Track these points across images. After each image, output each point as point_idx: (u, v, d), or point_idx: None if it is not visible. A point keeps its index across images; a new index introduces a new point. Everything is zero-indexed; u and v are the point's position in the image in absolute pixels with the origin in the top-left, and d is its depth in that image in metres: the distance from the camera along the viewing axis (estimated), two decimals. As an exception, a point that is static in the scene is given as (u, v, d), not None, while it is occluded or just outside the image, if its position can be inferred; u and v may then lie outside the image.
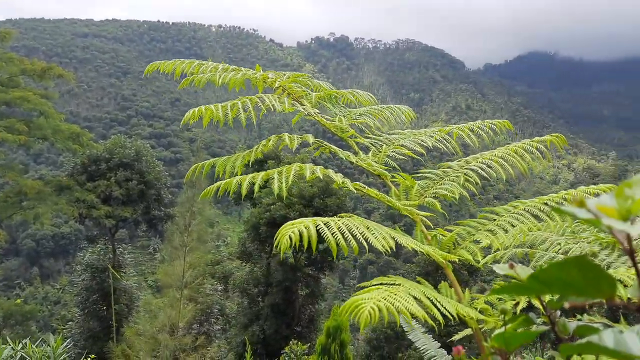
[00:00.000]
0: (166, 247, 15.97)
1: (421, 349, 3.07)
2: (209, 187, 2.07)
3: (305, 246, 1.40)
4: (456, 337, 2.07)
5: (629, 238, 0.46)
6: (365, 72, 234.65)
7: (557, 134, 2.26)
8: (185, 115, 2.25)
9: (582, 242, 2.17)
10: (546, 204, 2.02)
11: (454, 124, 2.69)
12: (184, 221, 13.11)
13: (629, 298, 0.62)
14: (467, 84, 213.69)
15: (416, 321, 3.18)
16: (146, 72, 2.67)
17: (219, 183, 1.97)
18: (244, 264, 20.93)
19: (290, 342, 10.85)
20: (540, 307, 0.92)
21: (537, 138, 2.21)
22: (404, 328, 3.31)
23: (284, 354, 10.54)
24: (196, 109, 2.25)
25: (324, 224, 1.48)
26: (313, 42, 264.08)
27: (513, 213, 2.18)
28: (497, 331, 0.88)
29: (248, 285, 19.71)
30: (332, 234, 1.47)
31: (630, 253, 0.48)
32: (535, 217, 2.14)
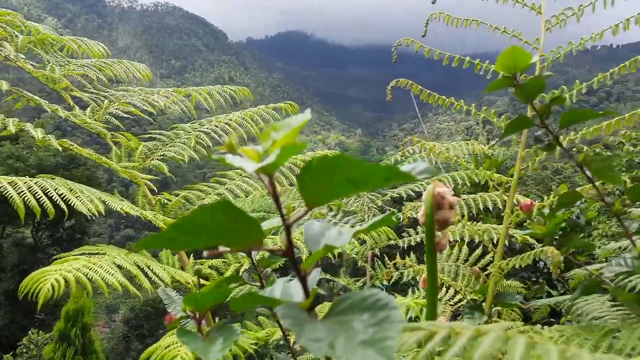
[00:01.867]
0: None
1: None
2: None
3: None
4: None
5: (270, 181, 0.45)
6: (120, 33, 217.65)
7: (290, 102, 2.43)
8: None
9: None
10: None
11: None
12: None
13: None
14: (229, 56, 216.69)
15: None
16: None
17: None
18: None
19: (30, 332, 9.98)
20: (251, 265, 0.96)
21: (272, 105, 2.35)
22: (164, 300, 3.22)
23: (22, 346, 9.65)
24: None
25: (8, 183, 1.30)
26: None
27: (244, 176, 2.27)
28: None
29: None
30: (20, 193, 1.30)
31: (274, 196, 0.48)
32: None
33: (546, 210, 1.25)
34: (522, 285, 1.62)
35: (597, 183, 0.97)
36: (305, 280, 0.43)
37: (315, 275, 0.45)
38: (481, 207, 1.85)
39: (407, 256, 1.81)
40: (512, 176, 1.58)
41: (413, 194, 2.17)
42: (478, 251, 1.69)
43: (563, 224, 1.17)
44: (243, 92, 2.30)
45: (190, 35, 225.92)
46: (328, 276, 2.02)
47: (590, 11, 1.75)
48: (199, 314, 0.67)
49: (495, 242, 1.55)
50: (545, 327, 1.28)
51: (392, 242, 2.02)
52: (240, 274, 1.17)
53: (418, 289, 1.70)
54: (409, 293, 1.78)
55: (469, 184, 1.96)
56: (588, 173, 0.96)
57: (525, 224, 1.31)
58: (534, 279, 2.88)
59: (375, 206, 2.31)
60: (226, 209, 0.37)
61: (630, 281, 1.00)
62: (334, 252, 1.68)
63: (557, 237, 1.27)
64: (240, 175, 2.25)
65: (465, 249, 1.73)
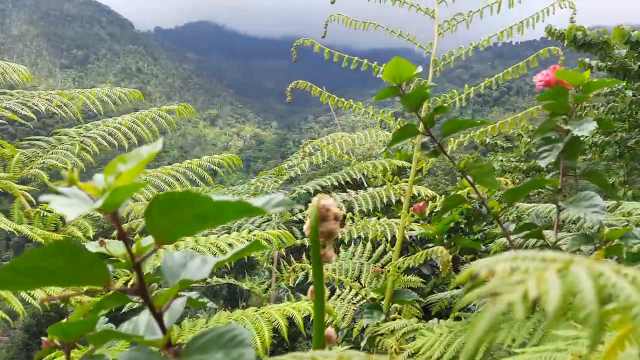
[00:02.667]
0: None
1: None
2: None
3: None
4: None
5: (114, 217, 0.42)
6: (14, 20, 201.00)
7: (185, 104, 2.34)
8: None
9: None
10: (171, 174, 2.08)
11: (124, 86, 2.51)
12: None
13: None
14: (137, 46, 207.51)
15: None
16: None
17: None
18: None
19: None
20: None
21: (165, 107, 2.25)
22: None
23: None
24: None
25: None
26: None
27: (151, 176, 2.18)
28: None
29: None
30: None
31: (121, 236, 0.43)
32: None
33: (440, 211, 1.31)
34: (421, 280, 1.70)
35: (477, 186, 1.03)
36: (161, 318, 0.41)
37: (177, 307, 0.44)
38: (385, 201, 1.91)
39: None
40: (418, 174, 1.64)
41: (320, 189, 2.20)
42: (381, 248, 1.74)
43: (455, 222, 1.24)
44: (134, 94, 2.19)
45: (93, 23, 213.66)
46: (232, 280, 1.99)
47: (488, 14, 1.85)
48: (68, 344, 0.63)
49: (387, 239, 1.60)
50: (441, 321, 1.35)
51: (298, 241, 2.03)
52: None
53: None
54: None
55: (381, 175, 2.01)
56: (469, 178, 1.02)
57: (418, 224, 1.37)
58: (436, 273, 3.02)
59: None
60: (62, 249, 0.34)
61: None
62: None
63: (449, 236, 1.34)
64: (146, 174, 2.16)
65: (369, 246, 1.78)
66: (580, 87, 1.29)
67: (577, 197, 1.12)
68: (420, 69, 1.01)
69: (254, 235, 1.48)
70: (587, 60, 10.93)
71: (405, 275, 1.69)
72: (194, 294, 0.75)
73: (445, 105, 1.13)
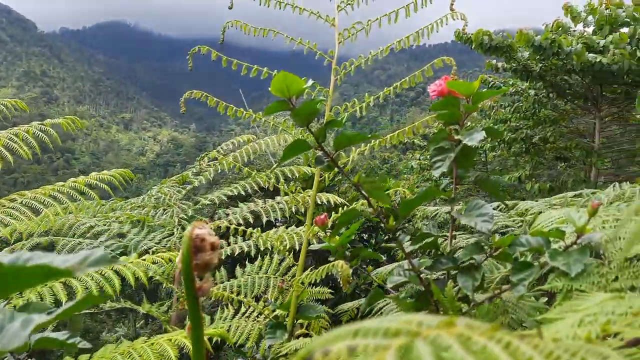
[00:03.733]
0: None
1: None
2: None
3: None
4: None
5: None
6: None
7: (72, 117, 2.17)
8: None
9: (115, 222, 2.21)
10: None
11: (28, 90, 2.30)
12: None
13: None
14: (41, 48, 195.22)
15: None
16: None
17: None
18: None
19: None
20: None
21: (49, 121, 2.09)
22: None
23: None
24: None
25: None
26: None
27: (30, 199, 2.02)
28: None
29: None
30: None
31: None
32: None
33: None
34: (329, 291, 1.69)
35: (372, 200, 1.04)
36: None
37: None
38: (293, 210, 1.90)
39: (217, 271, 1.77)
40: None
41: (226, 199, 2.14)
42: (288, 261, 1.72)
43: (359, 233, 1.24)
44: (19, 104, 2.03)
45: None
46: (128, 304, 1.88)
47: (394, 21, 1.89)
48: None
49: (296, 250, 1.58)
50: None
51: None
52: None
53: (227, 306, 1.68)
54: (217, 312, 1.74)
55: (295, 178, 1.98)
56: (363, 192, 1.02)
57: (321, 237, 1.36)
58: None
59: (186, 217, 2.22)
60: None
61: (407, 290, 1.09)
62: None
63: (353, 247, 1.34)
64: (25, 198, 1.99)
65: (276, 259, 1.75)
66: (471, 97, 1.33)
67: (468, 206, 1.16)
68: (310, 82, 1.00)
69: (144, 259, 1.40)
70: (494, 62, 11.60)
71: (314, 287, 1.68)
72: (61, 335, 0.68)
73: (338, 119, 1.12)
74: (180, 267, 0.70)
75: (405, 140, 1.47)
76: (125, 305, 1.85)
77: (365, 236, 3.95)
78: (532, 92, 12.11)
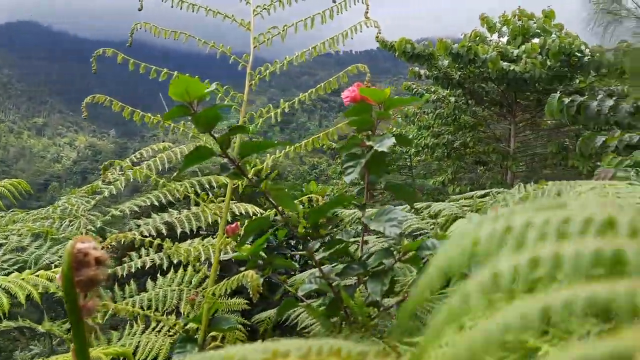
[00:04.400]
0: None
1: None
2: None
3: None
4: None
5: None
6: None
7: None
8: None
9: (13, 234, 2.06)
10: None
11: None
12: None
13: None
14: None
15: None
16: None
17: None
18: None
19: None
20: None
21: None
22: None
23: None
24: None
25: None
26: None
27: None
28: None
29: None
30: None
31: None
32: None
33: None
34: (246, 302, 1.66)
35: (281, 208, 1.03)
36: None
37: None
38: (210, 221, 1.85)
39: (127, 284, 1.70)
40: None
41: (138, 210, 2.06)
42: (202, 272, 1.67)
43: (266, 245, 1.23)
44: None
45: None
46: (27, 323, 1.75)
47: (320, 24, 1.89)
48: None
49: (211, 261, 1.54)
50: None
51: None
52: None
53: (136, 321, 1.60)
54: (127, 327, 1.66)
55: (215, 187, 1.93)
56: (272, 200, 1.01)
57: (232, 247, 1.34)
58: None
59: (94, 228, 2.11)
60: None
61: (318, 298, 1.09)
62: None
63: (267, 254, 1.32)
64: None
65: (190, 270, 1.70)
66: (382, 104, 1.36)
67: (379, 211, 1.18)
68: (213, 86, 0.97)
69: (37, 275, 1.30)
70: (417, 69, 12.02)
71: (229, 299, 1.64)
72: None
73: (245, 126, 1.10)
74: (61, 284, 0.66)
75: (323, 146, 1.47)
76: (24, 325, 1.72)
77: (292, 242, 3.93)
78: (452, 99, 12.66)
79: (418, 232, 1.73)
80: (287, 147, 1.33)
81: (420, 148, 14.47)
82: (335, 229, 3.48)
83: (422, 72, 11.84)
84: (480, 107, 12.97)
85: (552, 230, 0.23)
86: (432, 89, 12.83)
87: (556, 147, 10.65)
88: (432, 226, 1.74)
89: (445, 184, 14.11)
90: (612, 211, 0.24)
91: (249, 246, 1.25)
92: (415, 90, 13.12)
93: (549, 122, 12.18)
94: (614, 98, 8.21)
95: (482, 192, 1.96)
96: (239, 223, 1.28)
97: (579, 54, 9.51)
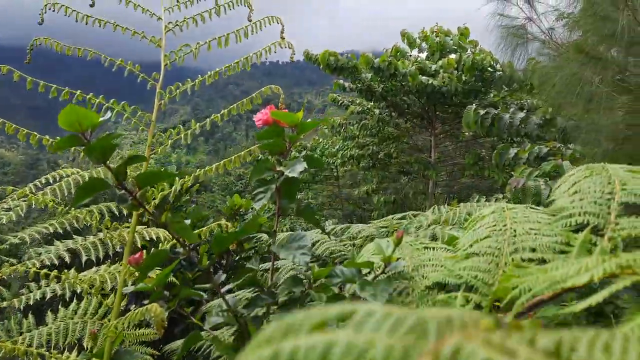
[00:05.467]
0: None
1: None
2: None
3: None
4: None
5: None
6: None
7: None
8: None
9: None
10: None
11: None
12: None
13: None
14: None
15: None
16: None
17: None
18: None
19: None
20: None
21: None
22: None
23: None
24: None
25: None
26: None
27: None
28: None
29: None
30: None
31: None
32: None
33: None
34: (153, 332, 1.59)
35: (182, 239, 0.99)
36: None
37: None
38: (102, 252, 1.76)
39: (25, 318, 1.58)
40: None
41: (39, 237, 1.93)
42: (107, 302, 1.59)
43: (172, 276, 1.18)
44: None
45: None
46: None
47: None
48: None
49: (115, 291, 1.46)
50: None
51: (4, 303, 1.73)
52: None
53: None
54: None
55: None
56: (173, 233, 0.97)
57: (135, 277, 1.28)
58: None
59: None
60: None
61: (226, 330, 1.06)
62: None
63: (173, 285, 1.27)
64: None
65: (94, 301, 1.60)
66: (295, 127, 1.35)
67: (289, 238, 1.16)
68: (108, 114, 0.92)
69: None
70: (341, 81, 12.22)
71: (137, 329, 1.57)
72: None
73: (141, 155, 1.06)
74: None
75: (233, 169, 1.44)
76: None
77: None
78: (376, 111, 12.98)
79: (337, 255, 1.73)
80: (187, 177, 1.29)
81: (346, 159, 14.72)
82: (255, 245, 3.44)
83: (346, 84, 12.05)
84: (403, 119, 13.38)
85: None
86: (357, 101, 13.10)
87: (473, 157, 11.16)
88: (350, 248, 1.75)
89: (370, 194, 14.42)
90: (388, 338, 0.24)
91: (153, 277, 1.20)
92: (340, 101, 13.35)
93: (466, 133, 12.75)
94: (524, 111, 8.75)
95: (400, 214, 2.01)
96: (143, 252, 1.22)
97: (491, 70, 10.07)
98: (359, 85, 11.48)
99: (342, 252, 1.73)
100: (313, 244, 1.76)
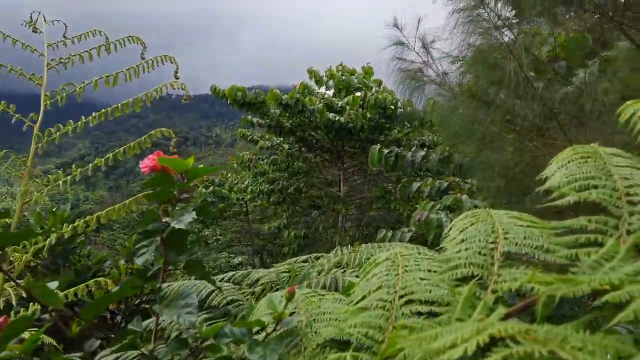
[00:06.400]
0: None
1: None
2: None
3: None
4: None
5: None
6: None
7: None
8: None
9: None
10: None
11: None
12: None
13: None
14: None
15: None
16: None
17: None
18: None
19: None
20: None
21: None
22: None
23: None
24: None
25: None
26: None
27: None
28: None
29: None
30: None
31: None
32: None
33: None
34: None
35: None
36: None
37: None
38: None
39: None
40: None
41: None
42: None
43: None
44: None
45: None
46: None
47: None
48: None
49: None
50: None
51: None
52: None
53: None
54: None
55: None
56: (37, 298, 0.87)
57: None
58: None
59: None
60: None
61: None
62: None
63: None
64: None
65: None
66: (185, 174, 1.29)
67: (176, 295, 1.09)
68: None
69: None
70: (249, 117, 12.20)
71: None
72: None
73: (7, 211, 0.95)
74: None
75: (120, 217, 1.35)
76: None
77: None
78: (286, 146, 13.07)
79: (235, 305, 1.66)
80: (52, 235, 1.18)
81: (256, 194, 14.61)
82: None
83: (255, 119, 12.05)
84: (312, 154, 13.57)
85: None
86: (267, 136, 13.12)
87: (380, 191, 11.49)
88: (247, 297, 1.69)
89: (281, 229, 14.37)
90: None
91: (18, 344, 1.07)
92: (250, 137, 13.31)
93: (374, 168, 13.15)
94: (425, 148, 9.17)
95: (303, 257, 1.98)
96: (7, 316, 1.09)
97: (393, 107, 10.53)
98: (268, 121, 11.52)
99: (241, 302, 1.65)
100: (209, 294, 1.68)
